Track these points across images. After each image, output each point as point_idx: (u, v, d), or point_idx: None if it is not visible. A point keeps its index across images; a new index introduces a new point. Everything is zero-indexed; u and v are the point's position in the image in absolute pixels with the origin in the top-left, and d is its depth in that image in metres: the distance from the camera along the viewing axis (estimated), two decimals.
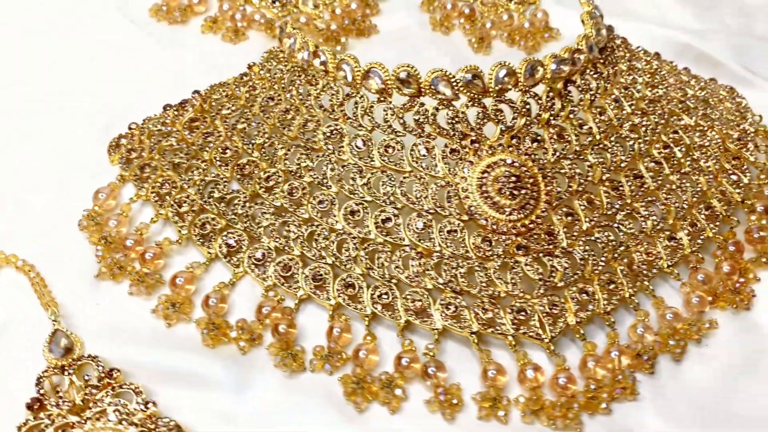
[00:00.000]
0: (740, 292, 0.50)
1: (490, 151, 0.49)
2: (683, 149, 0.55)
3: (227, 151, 0.53)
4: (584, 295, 0.47)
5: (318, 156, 0.51)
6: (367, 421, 0.42)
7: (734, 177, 0.55)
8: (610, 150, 0.52)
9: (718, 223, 0.52)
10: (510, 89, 0.50)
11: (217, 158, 0.52)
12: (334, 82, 0.51)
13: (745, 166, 0.56)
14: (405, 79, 0.49)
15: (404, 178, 0.49)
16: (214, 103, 0.56)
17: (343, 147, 0.50)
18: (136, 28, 0.64)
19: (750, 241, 0.53)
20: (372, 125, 0.50)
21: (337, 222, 0.48)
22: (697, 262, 0.50)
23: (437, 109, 0.49)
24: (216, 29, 0.65)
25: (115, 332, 0.45)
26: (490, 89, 0.49)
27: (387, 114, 0.50)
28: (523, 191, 0.49)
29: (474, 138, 0.49)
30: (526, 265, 0.47)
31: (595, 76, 0.54)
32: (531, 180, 0.49)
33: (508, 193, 0.48)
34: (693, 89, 0.62)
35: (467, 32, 0.67)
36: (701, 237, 0.51)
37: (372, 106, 0.50)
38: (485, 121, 0.49)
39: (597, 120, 0.53)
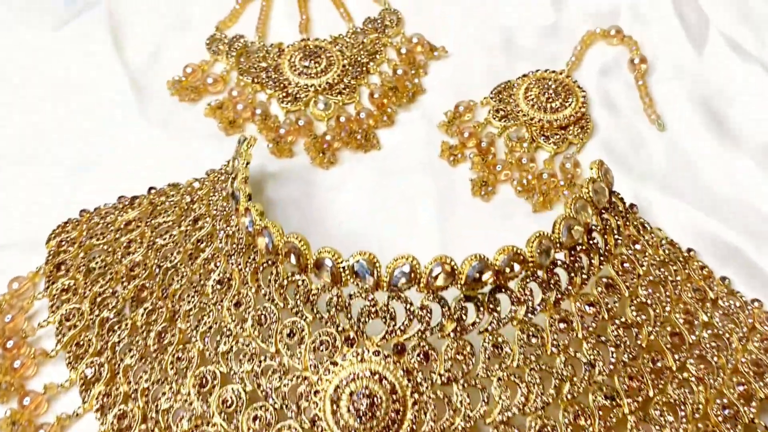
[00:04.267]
0: None
1: (359, 356, 0.43)
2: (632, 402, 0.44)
3: (135, 269, 0.51)
4: None
5: (203, 302, 0.47)
6: None
7: None
8: (523, 383, 0.43)
9: None
10: (410, 288, 0.42)
11: (123, 277, 0.51)
12: (238, 229, 0.48)
13: None
14: (292, 250, 0.44)
15: (265, 357, 0.44)
16: (159, 206, 0.55)
17: (224, 302, 0.46)
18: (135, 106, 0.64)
19: None
20: (255, 287, 0.46)
21: (184, 387, 0.45)
22: None
23: (319, 291, 0.43)
24: (219, 116, 0.63)
25: None
26: (384, 285, 0.42)
27: (270, 281, 0.45)
28: (377, 418, 0.41)
29: (351, 334, 0.43)
30: None
31: (543, 284, 0.44)
32: (394, 406, 0.42)
33: (356, 414, 0.42)
34: (707, 314, 0.48)
35: (474, 167, 0.59)
36: None
37: (258, 269, 0.46)
38: (371, 318, 0.43)
39: (522, 342, 0.43)
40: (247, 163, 0.51)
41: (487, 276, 0.42)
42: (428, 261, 0.42)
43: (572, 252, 0.45)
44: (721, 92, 0.62)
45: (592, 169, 0.50)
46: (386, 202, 0.57)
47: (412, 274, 0.42)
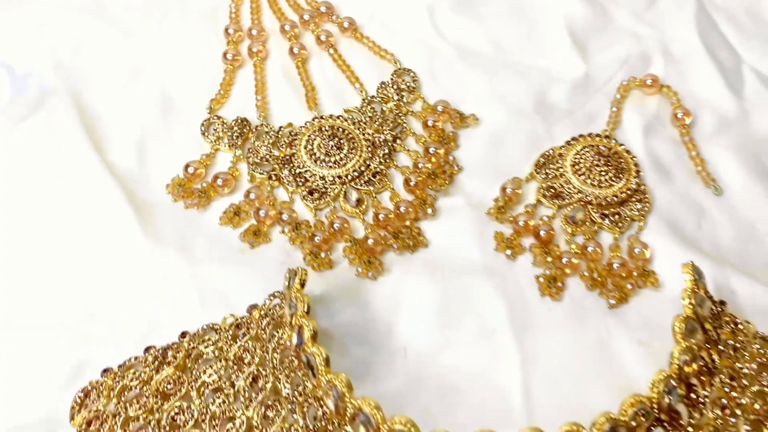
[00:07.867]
0: None
1: None
2: None
3: None
4: None
5: None
6: None
7: None
8: None
9: None
10: None
11: None
12: (321, 406, 0.41)
13: None
14: (365, 422, 0.39)
15: None
16: (198, 362, 0.47)
17: None
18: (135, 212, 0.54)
19: None
20: None
21: None
22: None
23: None
24: (237, 223, 0.55)
25: None
26: None
27: None
28: None
29: None
30: None
31: (667, 425, 0.41)
32: None
33: None
34: None
35: (537, 262, 0.54)
36: None
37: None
38: None
39: None
40: (308, 309, 0.45)
41: None
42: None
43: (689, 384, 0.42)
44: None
45: (685, 274, 0.46)
46: (450, 317, 0.51)
47: None
